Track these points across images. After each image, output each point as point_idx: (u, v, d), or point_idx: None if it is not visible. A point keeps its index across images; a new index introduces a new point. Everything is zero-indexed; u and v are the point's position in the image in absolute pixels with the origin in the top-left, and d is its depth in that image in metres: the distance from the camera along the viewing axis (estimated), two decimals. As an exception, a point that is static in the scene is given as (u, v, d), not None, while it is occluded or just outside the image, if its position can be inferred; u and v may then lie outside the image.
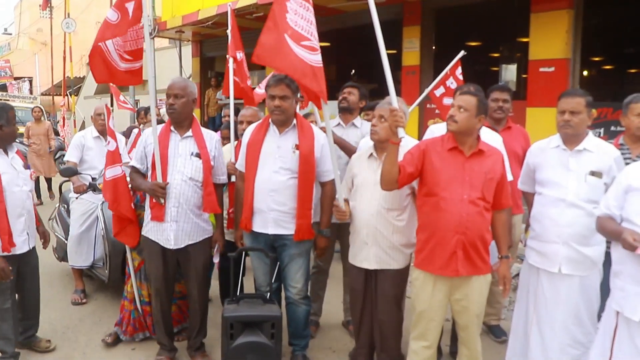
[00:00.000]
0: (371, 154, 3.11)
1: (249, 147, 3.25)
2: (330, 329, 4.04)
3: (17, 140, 6.82)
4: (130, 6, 3.37)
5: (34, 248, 3.48)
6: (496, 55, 9.12)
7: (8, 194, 3.20)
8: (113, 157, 3.66)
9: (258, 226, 3.22)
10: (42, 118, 9.82)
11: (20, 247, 3.29)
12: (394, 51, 7.50)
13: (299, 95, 3.35)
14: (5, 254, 3.17)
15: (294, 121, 3.24)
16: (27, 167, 3.48)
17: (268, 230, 3.20)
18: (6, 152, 3.33)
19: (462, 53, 4.61)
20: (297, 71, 2.91)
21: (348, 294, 3.70)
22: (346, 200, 3.14)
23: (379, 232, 2.99)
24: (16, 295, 3.46)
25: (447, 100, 4.40)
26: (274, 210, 3.17)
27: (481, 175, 2.71)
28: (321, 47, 2.98)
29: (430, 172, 2.75)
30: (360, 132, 3.81)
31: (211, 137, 3.38)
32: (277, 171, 3.15)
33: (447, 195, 2.69)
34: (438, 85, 4.59)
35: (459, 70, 4.62)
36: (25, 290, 3.53)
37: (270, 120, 3.24)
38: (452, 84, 4.53)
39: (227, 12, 4.50)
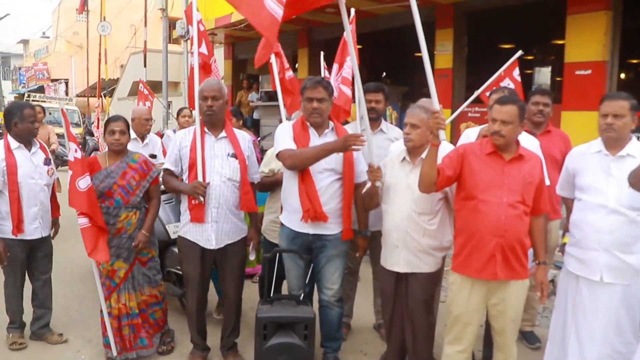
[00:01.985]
0: (404, 158, 3.09)
1: (296, 142, 3.17)
2: (362, 332, 4.04)
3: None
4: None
5: (47, 237, 3.74)
6: (529, 58, 8.96)
7: (23, 185, 3.50)
8: (82, 166, 3.27)
9: (297, 225, 3.23)
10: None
11: (31, 233, 3.58)
12: (426, 54, 7.44)
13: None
14: (14, 237, 3.49)
15: (331, 124, 3.28)
16: (47, 162, 3.69)
17: (308, 230, 3.22)
18: (28, 147, 3.60)
19: (519, 53, 4.42)
20: (264, 21, 2.85)
21: (379, 297, 3.69)
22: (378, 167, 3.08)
23: (409, 236, 2.98)
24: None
25: None
26: None
27: (520, 180, 2.68)
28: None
29: (469, 175, 2.74)
30: (387, 137, 3.76)
31: (243, 137, 3.44)
32: (320, 172, 3.17)
33: (486, 198, 2.66)
34: (490, 87, 4.46)
35: (517, 71, 4.43)
36: (37, 277, 3.77)
37: (308, 122, 3.25)
38: (509, 84, 4.38)
39: None
